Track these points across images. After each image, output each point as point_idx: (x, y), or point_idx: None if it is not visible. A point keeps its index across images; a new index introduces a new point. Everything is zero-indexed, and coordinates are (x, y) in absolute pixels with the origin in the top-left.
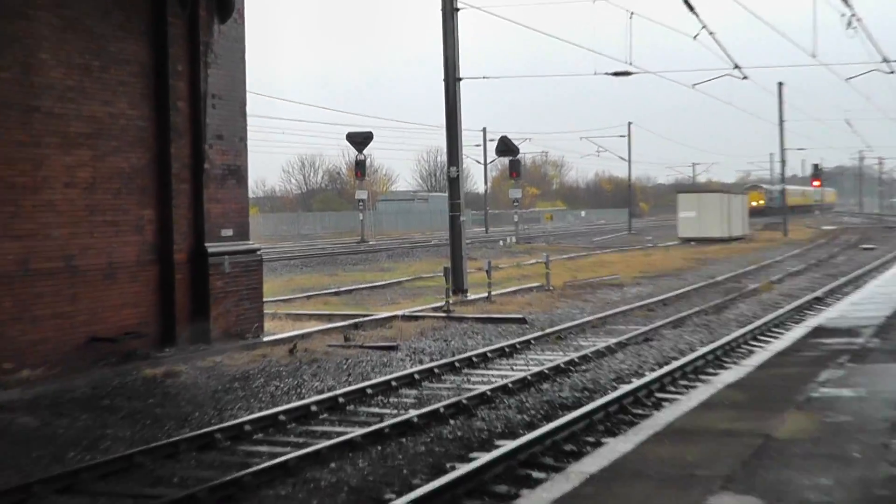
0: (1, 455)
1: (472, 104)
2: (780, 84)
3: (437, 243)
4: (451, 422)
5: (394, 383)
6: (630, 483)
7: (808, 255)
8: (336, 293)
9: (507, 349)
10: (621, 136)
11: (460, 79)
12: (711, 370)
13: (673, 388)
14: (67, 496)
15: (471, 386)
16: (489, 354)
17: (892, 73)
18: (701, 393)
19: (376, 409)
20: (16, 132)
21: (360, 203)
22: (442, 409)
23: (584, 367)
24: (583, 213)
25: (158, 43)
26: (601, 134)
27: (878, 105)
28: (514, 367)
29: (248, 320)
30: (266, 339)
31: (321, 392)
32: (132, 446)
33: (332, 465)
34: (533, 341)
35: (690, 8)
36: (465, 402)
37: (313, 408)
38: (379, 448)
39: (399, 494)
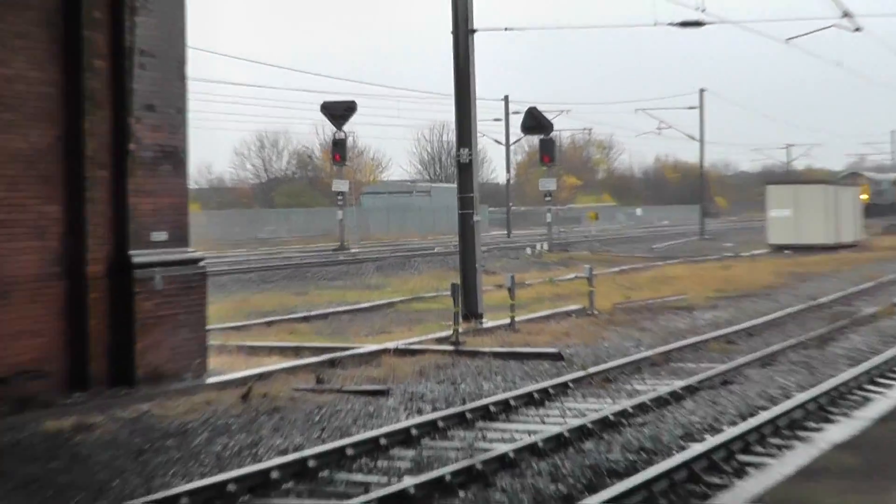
0: None
1: (490, 66)
2: None
3: (443, 251)
4: (461, 494)
5: (383, 441)
6: None
7: None
8: (306, 318)
9: (536, 395)
10: (691, 107)
11: (474, 30)
12: (813, 424)
13: (761, 449)
14: None
15: (487, 445)
16: (512, 402)
17: None
18: (799, 456)
19: (359, 477)
20: None
21: (340, 197)
22: (448, 477)
23: (640, 420)
24: (638, 212)
25: None
26: (663, 105)
27: None
28: (547, 420)
29: (188, 355)
30: (211, 380)
31: (285, 452)
32: None
33: None
34: (571, 384)
35: None
36: (479, 466)
37: (274, 474)
38: None
39: None
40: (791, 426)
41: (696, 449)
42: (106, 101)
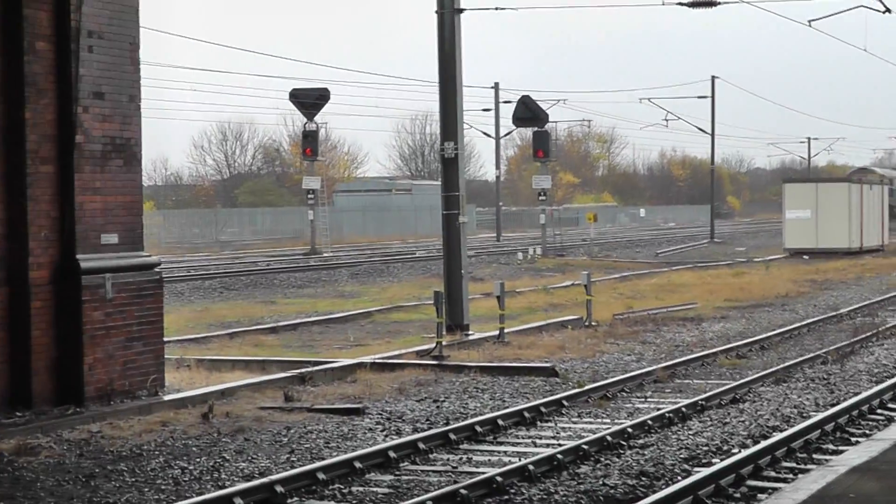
0: None
1: (480, 50)
2: None
3: (425, 255)
4: None
5: (358, 465)
6: None
7: None
8: (273, 330)
9: (527, 414)
10: (701, 96)
11: (461, 10)
12: (830, 446)
13: (773, 473)
14: None
15: (473, 469)
16: (501, 422)
17: None
18: (814, 481)
19: None
20: None
21: (311, 195)
22: None
23: (641, 442)
24: (642, 212)
25: None
26: (671, 94)
27: None
28: (538, 442)
29: (142, 370)
30: (169, 397)
31: (249, 478)
32: None
33: None
34: (566, 402)
35: None
36: (464, 492)
37: (238, 501)
38: None
39: None
40: (806, 448)
41: (702, 473)
42: (50, 88)
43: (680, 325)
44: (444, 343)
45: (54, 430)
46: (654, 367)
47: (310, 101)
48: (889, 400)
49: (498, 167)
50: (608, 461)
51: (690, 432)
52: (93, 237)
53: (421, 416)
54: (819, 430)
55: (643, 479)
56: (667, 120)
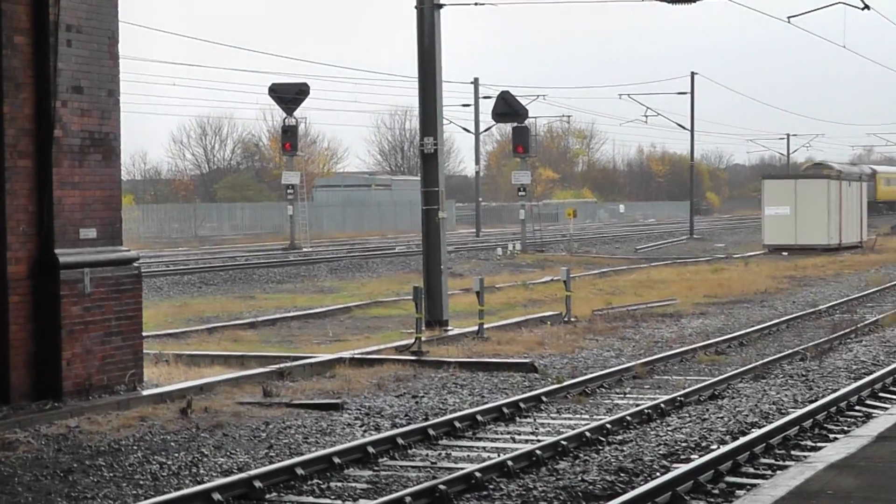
0: None
1: (459, 45)
2: None
3: (405, 251)
4: None
5: (337, 460)
6: None
7: None
8: (252, 325)
9: (506, 410)
10: (681, 93)
11: (441, 5)
12: (809, 443)
13: (752, 470)
14: None
15: (451, 465)
16: (480, 418)
17: None
18: (792, 477)
19: (310, 500)
20: None
21: (290, 190)
22: (408, 500)
23: (620, 438)
24: (622, 208)
25: None
26: (650, 91)
27: None
28: (517, 438)
29: (121, 365)
30: (147, 392)
31: (228, 473)
32: None
33: None
34: (545, 398)
35: None
36: (442, 488)
37: (217, 496)
38: None
39: None
40: (785, 445)
41: (680, 469)
42: (28, 83)
43: (659, 321)
44: (423, 339)
45: (32, 424)
46: (633, 364)
47: (289, 95)
48: (867, 396)
49: (477, 162)
50: (587, 457)
51: (669, 428)
52: (71, 232)
53: (400, 411)
54: (797, 427)
55: (622, 475)
56: (646, 116)
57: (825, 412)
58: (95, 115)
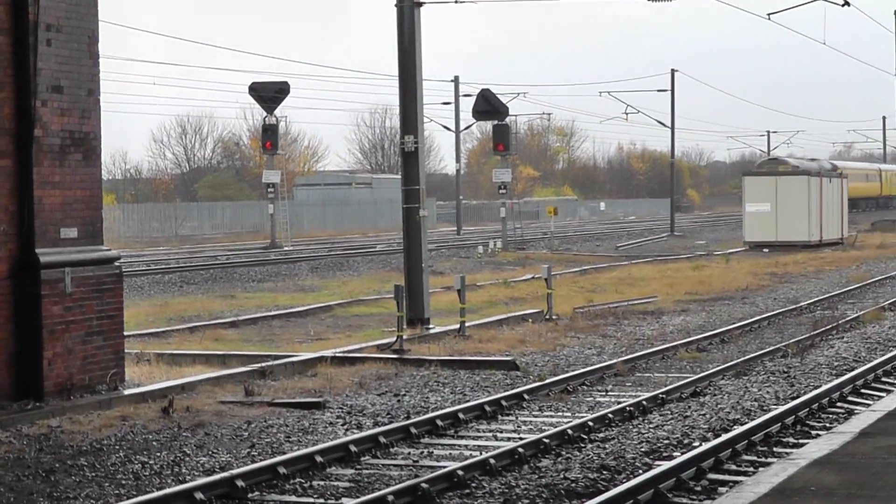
0: None
1: (439, 43)
2: None
3: (385, 249)
4: None
5: (319, 459)
6: None
7: None
8: (233, 324)
9: (488, 408)
10: (661, 90)
11: (420, 3)
12: (791, 440)
13: (734, 467)
14: None
15: (433, 463)
16: (462, 416)
17: None
18: (774, 474)
19: (292, 499)
20: None
21: (270, 189)
22: (391, 498)
23: (602, 435)
24: (602, 206)
25: None
26: (631, 88)
27: None
28: (499, 436)
29: (102, 365)
30: (129, 392)
31: (210, 472)
32: None
33: None
34: (527, 396)
35: None
36: (425, 486)
37: (199, 495)
38: None
39: None
40: (767, 442)
41: (663, 467)
42: (7, 82)
43: (640, 318)
44: (404, 337)
45: (13, 424)
46: (615, 361)
47: (269, 94)
48: (849, 393)
49: (458, 161)
50: (569, 455)
51: (651, 426)
52: (52, 231)
53: (382, 409)
54: (779, 424)
55: (604, 472)
56: (627, 113)
57: (807, 409)
58: (76, 115)
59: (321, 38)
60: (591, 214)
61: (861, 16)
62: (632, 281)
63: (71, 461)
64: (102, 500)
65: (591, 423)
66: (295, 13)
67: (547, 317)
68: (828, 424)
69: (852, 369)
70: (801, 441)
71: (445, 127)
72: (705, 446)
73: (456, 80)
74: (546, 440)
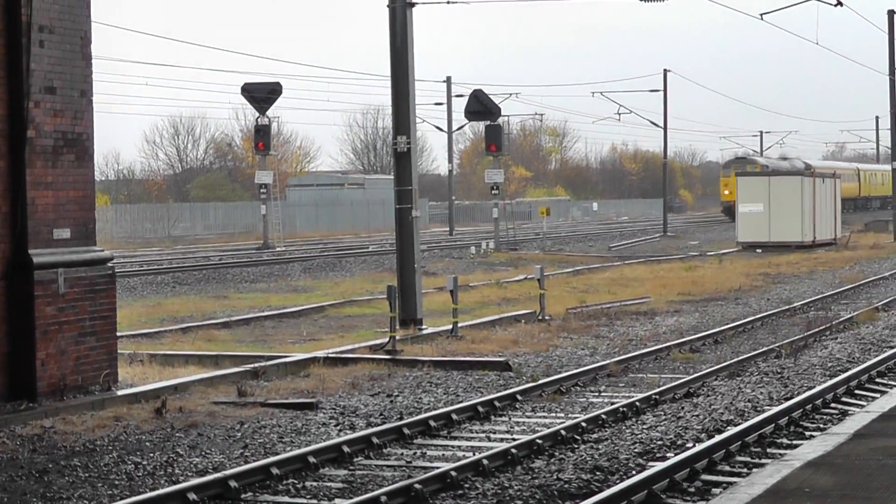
0: None
1: (431, 44)
2: (894, 13)
3: (378, 250)
4: None
5: (312, 459)
6: None
7: None
8: (226, 324)
9: (481, 409)
10: (653, 90)
11: (413, 4)
12: (785, 441)
13: (728, 468)
14: None
15: (427, 464)
16: (455, 416)
17: None
18: (769, 475)
19: (286, 499)
20: None
21: (263, 190)
22: (384, 499)
23: (595, 436)
24: (595, 206)
25: None
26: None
27: None
28: (492, 436)
29: (95, 365)
30: (121, 392)
31: (203, 472)
32: None
33: None
34: (520, 396)
35: None
36: (418, 487)
37: (192, 496)
38: None
39: None
40: (761, 443)
41: (656, 468)
42: (0, 83)
43: (633, 319)
44: (397, 337)
45: (7, 425)
46: (608, 362)
47: (262, 95)
48: (843, 394)
49: (450, 161)
50: (562, 456)
51: (644, 427)
52: (45, 232)
53: (374, 410)
54: (773, 425)
55: (598, 473)
56: (619, 114)
57: (801, 410)
58: (68, 116)
59: (313, 38)
60: (584, 215)
61: (854, 16)
62: (624, 281)
63: (64, 462)
64: (96, 500)
65: (584, 424)
66: (287, 14)
67: (540, 317)
68: (822, 425)
69: (846, 370)
70: (795, 442)
71: (438, 127)
72: (699, 447)
73: (448, 81)
74: (539, 441)
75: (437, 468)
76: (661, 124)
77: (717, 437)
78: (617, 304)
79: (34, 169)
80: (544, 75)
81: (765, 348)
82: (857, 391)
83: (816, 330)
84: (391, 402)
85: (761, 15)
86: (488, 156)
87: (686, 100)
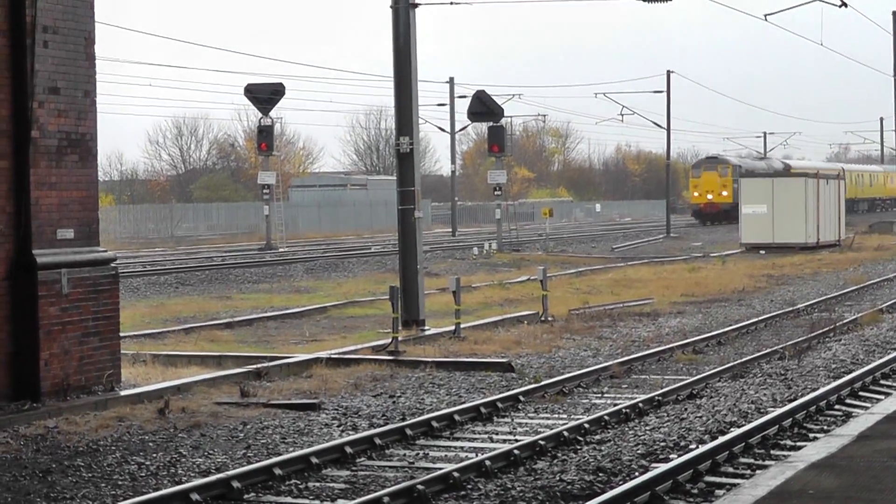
0: None
1: (434, 45)
2: None
3: (381, 251)
4: None
5: (315, 460)
6: None
7: None
8: (228, 325)
9: (483, 410)
10: (656, 91)
11: (416, 4)
12: (789, 442)
13: (731, 469)
14: None
15: (429, 465)
16: (457, 417)
17: None
18: (772, 477)
19: (288, 500)
20: None
21: (266, 190)
22: (386, 500)
23: (598, 437)
24: (598, 207)
25: None
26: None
27: None
28: (495, 437)
29: (98, 365)
30: (125, 392)
31: (206, 473)
32: None
33: None
34: (523, 398)
35: None
36: (420, 488)
37: (195, 496)
38: None
39: None
40: (764, 444)
41: (659, 469)
42: (4, 84)
43: (636, 320)
44: (399, 338)
45: (10, 425)
46: (611, 363)
47: (265, 95)
48: (847, 396)
49: (453, 162)
50: (565, 457)
51: (647, 428)
52: (49, 232)
53: (377, 411)
54: (777, 426)
55: (600, 474)
56: (622, 115)
57: (805, 411)
58: (72, 116)
59: (317, 39)
60: (587, 216)
61: (858, 17)
62: (627, 283)
63: (67, 462)
64: (99, 500)
65: (587, 425)
66: (290, 15)
67: (542, 318)
68: (826, 427)
69: (850, 372)
70: (798, 444)
71: (441, 128)
72: (702, 449)
73: (451, 82)
74: (542, 442)
75: (440, 469)
76: (665, 125)
77: (721, 439)
78: (620, 306)
79: (38, 169)
80: (547, 76)
81: (768, 350)
82: (861, 393)
83: (820, 331)
84: (394, 402)
85: (765, 16)
86: (491, 157)
87: (689, 101)
